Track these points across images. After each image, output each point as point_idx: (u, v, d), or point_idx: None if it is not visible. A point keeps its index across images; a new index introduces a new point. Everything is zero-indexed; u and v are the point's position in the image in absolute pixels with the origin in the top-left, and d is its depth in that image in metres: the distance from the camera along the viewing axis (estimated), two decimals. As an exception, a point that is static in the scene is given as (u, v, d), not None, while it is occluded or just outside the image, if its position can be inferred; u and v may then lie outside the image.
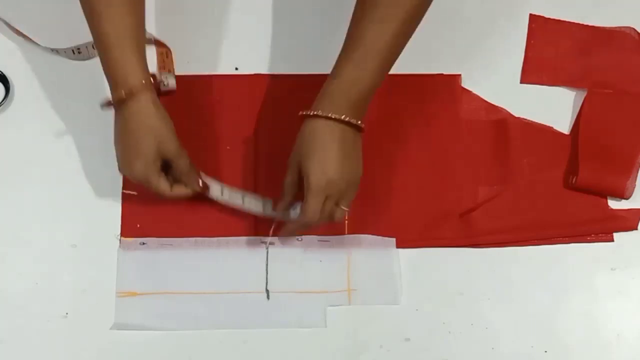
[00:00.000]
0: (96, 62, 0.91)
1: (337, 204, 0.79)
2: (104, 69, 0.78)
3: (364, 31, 0.76)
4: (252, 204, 0.85)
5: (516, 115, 0.91)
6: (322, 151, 0.76)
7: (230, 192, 0.85)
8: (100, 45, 0.78)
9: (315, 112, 0.76)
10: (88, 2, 0.78)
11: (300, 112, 0.77)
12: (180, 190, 0.82)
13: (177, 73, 0.92)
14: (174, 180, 0.82)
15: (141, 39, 0.79)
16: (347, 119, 0.76)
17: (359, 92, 0.76)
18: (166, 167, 0.81)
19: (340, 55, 0.78)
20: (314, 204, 0.77)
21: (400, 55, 0.92)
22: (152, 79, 0.79)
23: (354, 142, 0.78)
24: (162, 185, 0.80)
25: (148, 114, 0.78)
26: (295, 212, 0.83)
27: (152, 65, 0.90)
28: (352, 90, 0.76)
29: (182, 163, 0.80)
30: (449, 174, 0.89)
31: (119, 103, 0.78)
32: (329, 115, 0.75)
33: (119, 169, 0.81)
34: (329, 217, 0.79)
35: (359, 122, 0.77)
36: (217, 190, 0.85)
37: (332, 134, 0.76)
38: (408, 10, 0.75)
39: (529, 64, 0.94)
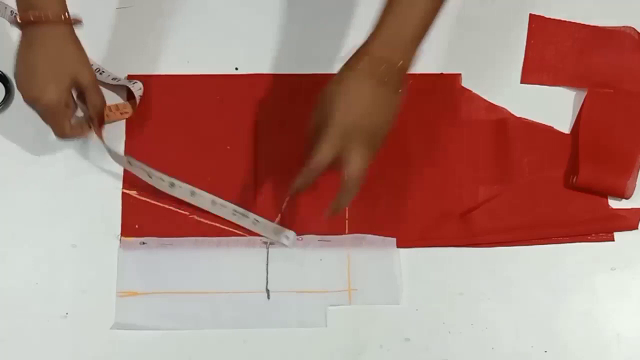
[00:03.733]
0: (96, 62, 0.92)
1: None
2: None
3: None
4: (261, 226, 0.85)
5: (516, 115, 0.91)
6: (350, 95, 0.72)
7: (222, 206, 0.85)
8: None
9: (356, 52, 0.73)
10: None
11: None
12: (77, 131, 0.81)
13: (177, 73, 0.92)
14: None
15: None
16: (388, 62, 0.72)
17: (406, 33, 0.73)
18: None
19: (381, 16, 0.74)
20: (329, 140, 0.71)
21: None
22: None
23: (386, 97, 0.73)
24: (68, 113, 0.78)
25: (67, 40, 0.75)
26: (289, 241, 0.85)
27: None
28: (400, 32, 0.73)
29: (95, 95, 0.80)
30: (449, 173, 0.89)
31: (32, 23, 0.75)
32: (372, 54, 0.72)
33: (23, 90, 0.77)
34: (344, 164, 0.72)
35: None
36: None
37: (365, 79, 0.72)
38: None
39: (529, 64, 0.94)
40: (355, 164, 0.72)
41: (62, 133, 0.80)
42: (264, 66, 0.92)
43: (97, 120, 0.82)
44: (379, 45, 0.73)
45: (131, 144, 0.89)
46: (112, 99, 0.90)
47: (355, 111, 0.72)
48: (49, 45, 0.76)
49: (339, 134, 0.72)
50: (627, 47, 0.94)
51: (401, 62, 0.73)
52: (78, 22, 0.78)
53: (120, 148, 0.89)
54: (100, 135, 0.84)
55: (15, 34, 0.93)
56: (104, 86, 0.90)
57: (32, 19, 0.75)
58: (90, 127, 0.82)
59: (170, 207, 0.87)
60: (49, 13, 0.75)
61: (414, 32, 0.74)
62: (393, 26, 0.73)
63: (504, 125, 0.91)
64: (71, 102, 0.80)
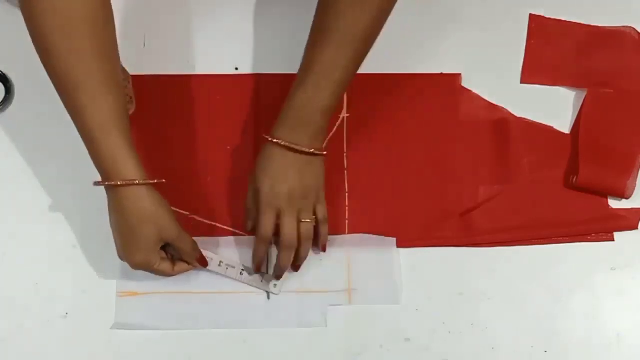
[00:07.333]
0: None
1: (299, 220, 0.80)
2: (91, 157, 0.76)
3: (319, 56, 0.77)
4: (250, 278, 0.85)
5: (516, 115, 0.91)
6: (273, 170, 0.79)
7: (228, 265, 0.85)
8: (87, 138, 0.75)
9: (271, 139, 0.78)
10: (69, 95, 0.74)
11: (262, 135, 0.80)
12: (182, 268, 0.82)
13: (177, 73, 0.92)
14: (173, 256, 0.82)
15: (127, 124, 0.76)
16: (299, 147, 0.78)
17: (313, 115, 0.78)
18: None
19: (295, 80, 0.79)
20: (265, 218, 0.80)
21: (400, 55, 0.93)
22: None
23: (308, 163, 0.79)
24: (164, 267, 0.80)
25: (143, 199, 0.76)
26: (277, 290, 0.85)
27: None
28: (306, 115, 0.78)
29: (184, 245, 0.80)
30: (449, 173, 0.89)
31: (110, 188, 0.76)
32: (282, 143, 0.78)
33: (119, 256, 0.80)
34: (299, 233, 0.80)
35: (311, 149, 0.78)
36: (215, 265, 0.84)
37: (285, 158, 0.79)
38: (362, 36, 0.76)
39: (529, 64, 0.94)
40: (286, 228, 0.80)
41: (168, 275, 0.81)
42: (264, 66, 0.92)
43: (192, 257, 0.82)
44: (293, 130, 0.78)
45: (131, 144, 0.89)
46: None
47: (278, 185, 0.79)
48: (127, 208, 0.76)
49: (268, 207, 0.80)
50: (627, 47, 0.94)
51: (313, 147, 0.79)
52: (161, 182, 0.78)
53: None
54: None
55: (15, 33, 0.93)
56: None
57: (119, 183, 0.75)
58: (189, 264, 0.83)
59: (170, 207, 0.87)
60: (134, 179, 0.75)
61: (322, 108, 0.78)
62: (300, 112, 0.78)
63: (504, 125, 0.91)
64: (163, 253, 0.81)
